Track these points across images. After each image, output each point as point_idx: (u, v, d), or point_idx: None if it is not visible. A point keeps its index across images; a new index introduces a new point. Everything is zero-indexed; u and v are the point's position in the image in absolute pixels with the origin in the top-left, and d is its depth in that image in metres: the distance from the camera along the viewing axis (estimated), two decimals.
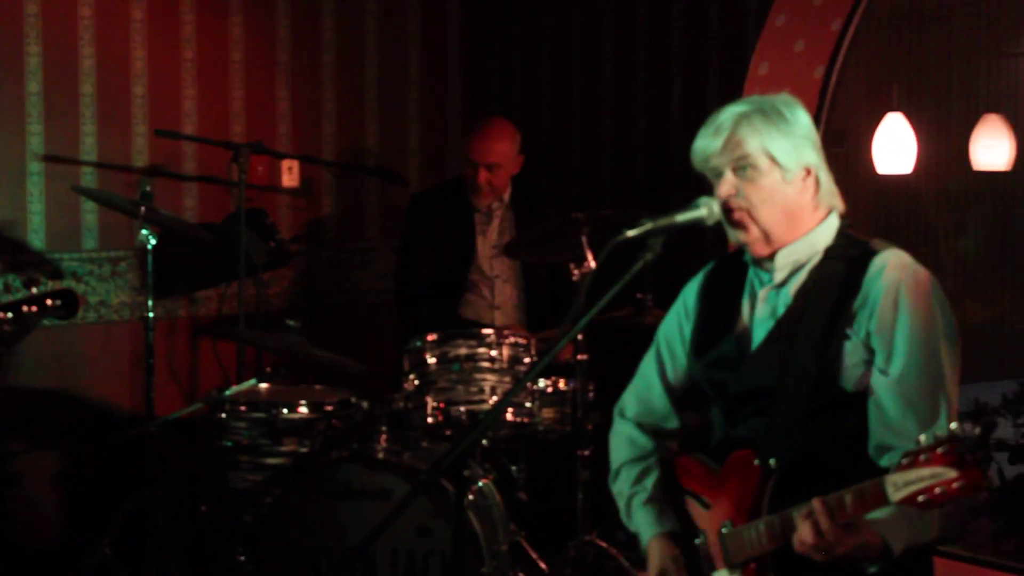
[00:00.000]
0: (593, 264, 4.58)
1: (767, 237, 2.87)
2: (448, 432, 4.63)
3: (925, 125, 6.03)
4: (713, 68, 5.76)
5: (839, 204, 2.93)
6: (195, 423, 4.99)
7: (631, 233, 2.83)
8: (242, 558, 4.55)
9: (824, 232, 2.89)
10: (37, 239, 5.44)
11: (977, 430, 2.30)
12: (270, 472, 4.58)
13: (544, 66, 6.52)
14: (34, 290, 3.85)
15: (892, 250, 2.84)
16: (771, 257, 2.90)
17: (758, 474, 2.78)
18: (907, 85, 6.20)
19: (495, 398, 4.62)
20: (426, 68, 6.48)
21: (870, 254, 2.83)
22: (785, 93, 2.95)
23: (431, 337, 4.71)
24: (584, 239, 4.62)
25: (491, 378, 4.66)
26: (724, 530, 2.84)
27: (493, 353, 4.68)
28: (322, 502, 4.34)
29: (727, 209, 2.86)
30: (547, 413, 4.72)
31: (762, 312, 2.92)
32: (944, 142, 6.41)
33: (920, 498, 2.34)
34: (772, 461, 2.76)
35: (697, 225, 2.91)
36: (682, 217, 2.88)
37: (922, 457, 2.34)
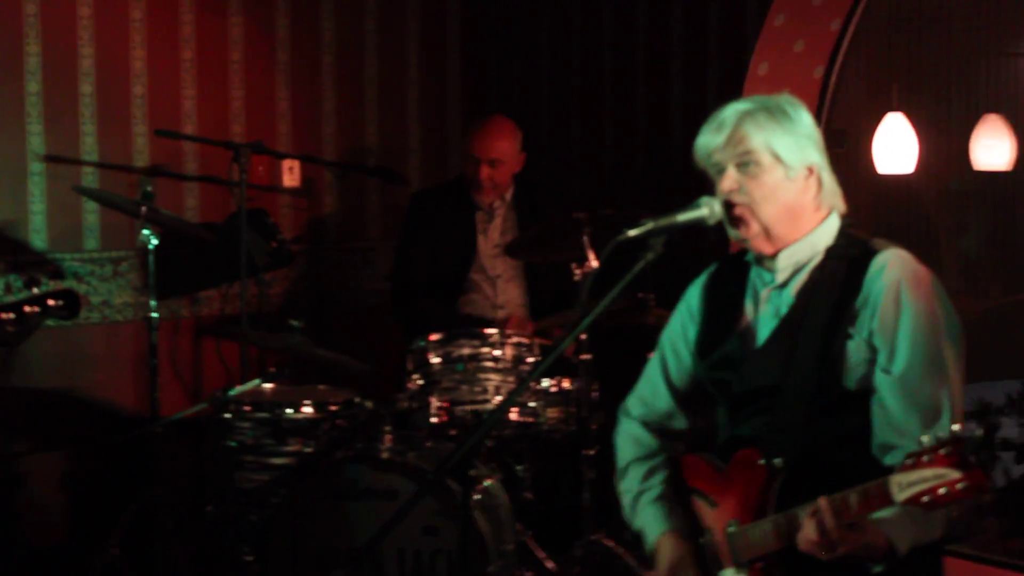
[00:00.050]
0: (595, 264, 4.59)
1: (768, 233, 2.88)
2: (452, 432, 4.64)
3: (925, 125, 6.04)
4: (713, 68, 5.77)
5: (841, 205, 2.94)
6: (200, 423, 4.98)
7: (632, 233, 2.85)
8: (248, 558, 4.55)
9: (825, 232, 2.90)
10: (38, 239, 5.44)
11: (980, 431, 2.32)
12: (275, 472, 4.58)
13: (544, 66, 6.53)
14: (35, 290, 3.84)
15: (893, 249, 2.85)
16: (773, 257, 2.90)
17: (763, 473, 2.78)
18: (907, 85, 6.21)
19: (499, 398, 4.62)
20: (426, 68, 6.48)
21: (871, 253, 2.84)
22: (787, 94, 2.96)
23: (434, 337, 4.72)
24: (586, 239, 4.63)
25: (495, 378, 4.66)
26: (730, 529, 2.85)
27: (496, 353, 4.68)
28: (328, 502, 4.35)
29: (728, 205, 2.87)
30: (552, 413, 4.72)
31: (765, 312, 2.94)
32: (944, 142, 6.41)
33: (924, 499, 2.35)
34: (777, 460, 2.77)
35: (698, 225, 2.92)
36: (683, 217, 2.90)
37: (925, 458, 2.35)
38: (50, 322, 3.91)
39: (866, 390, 2.79)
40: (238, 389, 4.73)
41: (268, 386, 4.86)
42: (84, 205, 5.54)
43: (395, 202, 6.12)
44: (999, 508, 5.20)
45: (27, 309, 3.80)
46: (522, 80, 6.61)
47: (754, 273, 2.99)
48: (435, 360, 4.69)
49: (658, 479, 3.09)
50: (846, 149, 5.70)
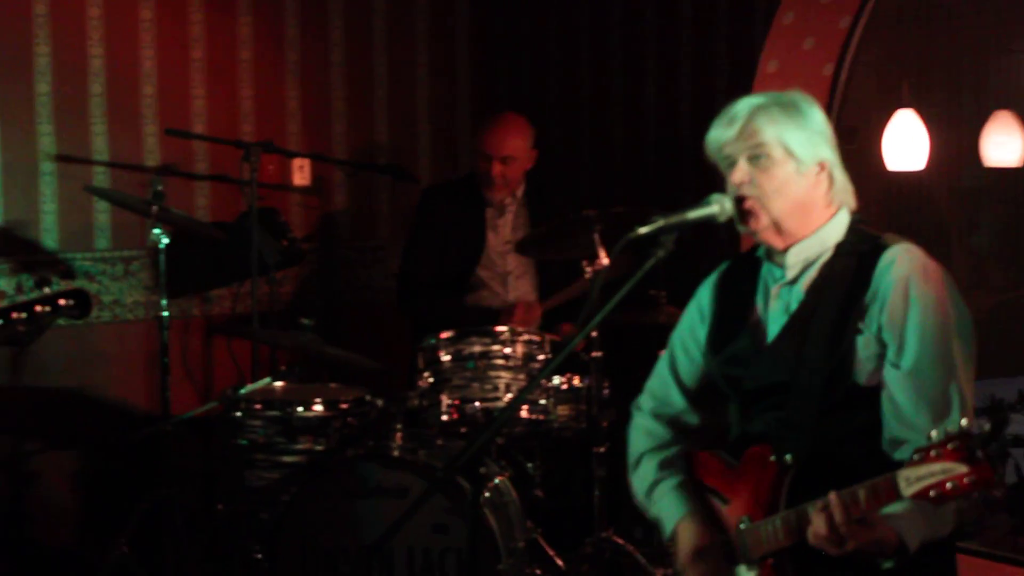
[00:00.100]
0: (606, 261, 4.59)
1: (777, 227, 2.88)
2: (463, 429, 4.64)
3: (936, 122, 6.02)
4: (722, 66, 5.76)
5: (852, 202, 2.94)
6: (210, 422, 5.00)
7: (643, 230, 2.84)
8: (259, 556, 4.55)
9: (835, 228, 2.90)
10: (50, 239, 5.46)
11: (987, 426, 2.32)
12: (286, 470, 4.59)
13: (553, 64, 6.52)
14: (47, 290, 3.85)
15: (903, 244, 2.85)
16: (783, 252, 2.90)
17: (774, 470, 2.78)
18: (918, 82, 6.19)
19: (510, 395, 4.62)
20: (435, 66, 6.48)
21: (881, 248, 2.84)
22: (799, 91, 2.96)
23: (445, 335, 4.72)
24: (596, 236, 4.63)
25: (505, 375, 4.66)
26: (742, 526, 2.84)
27: (507, 350, 4.68)
28: (338, 500, 4.35)
29: (738, 198, 2.87)
30: (562, 410, 4.72)
31: (775, 308, 2.93)
32: (955, 139, 6.40)
33: (932, 493, 2.35)
34: (788, 457, 2.77)
35: (709, 222, 2.92)
36: (694, 214, 2.89)
37: (933, 452, 2.35)
38: (61, 321, 3.92)
39: (876, 385, 2.78)
40: (249, 387, 4.74)
41: (279, 384, 4.87)
42: (95, 205, 5.55)
43: (405, 200, 6.13)
44: (1010, 505, 5.20)
45: (38, 309, 3.80)
46: (531, 78, 6.61)
47: (765, 270, 2.99)
48: (446, 358, 4.69)
49: (675, 469, 3.08)
50: (856, 146, 5.69)
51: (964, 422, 2.34)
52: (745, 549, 2.83)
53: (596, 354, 4.64)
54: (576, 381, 4.76)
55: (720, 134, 2.90)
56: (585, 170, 6.35)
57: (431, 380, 4.70)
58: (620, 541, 4.65)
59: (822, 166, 2.89)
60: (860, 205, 2.97)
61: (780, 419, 2.85)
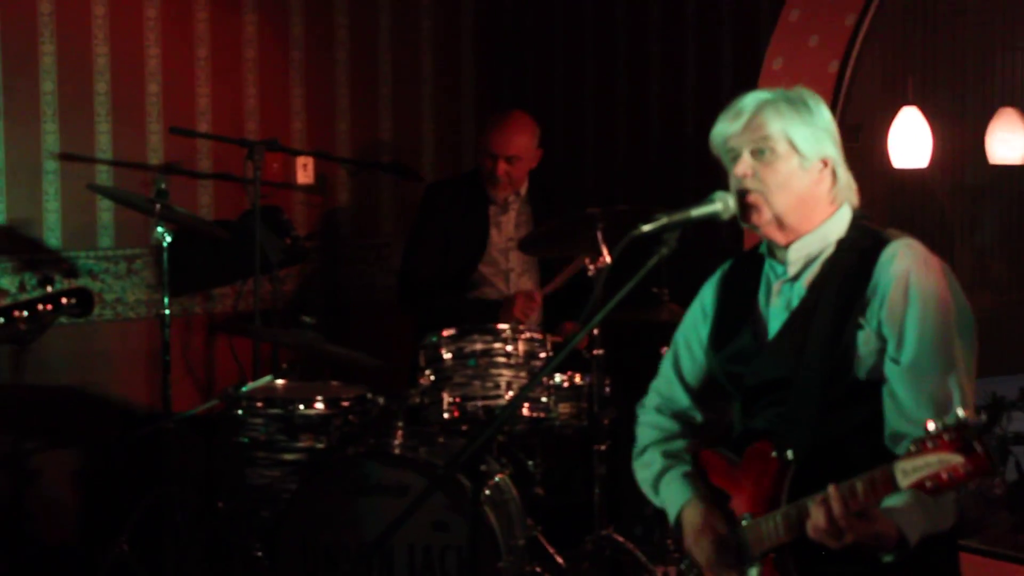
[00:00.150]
0: (608, 259, 4.58)
1: (780, 223, 2.87)
2: (464, 427, 4.64)
3: (940, 119, 6.02)
4: (727, 63, 5.76)
5: (855, 200, 2.93)
6: (212, 420, 5.00)
7: (646, 228, 2.84)
8: (259, 554, 4.55)
9: (837, 224, 2.90)
10: (53, 237, 5.46)
11: (984, 417, 2.32)
12: (287, 468, 4.59)
13: (558, 61, 6.52)
14: (49, 288, 3.85)
15: (904, 239, 2.84)
16: (785, 248, 2.90)
17: (776, 466, 2.78)
18: (922, 79, 6.19)
19: (511, 393, 4.62)
20: (440, 64, 6.48)
21: (882, 243, 2.83)
22: (806, 88, 2.96)
23: (446, 332, 4.71)
24: (599, 234, 4.63)
25: (507, 373, 4.66)
26: (744, 523, 2.84)
27: (509, 348, 4.68)
28: (339, 498, 4.35)
29: (741, 192, 2.86)
30: (563, 408, 4.72)
31: (777, 305, 2.93)
32: (959, 136, 6.39)
33: (928, 483, 2.35)
34: (789, 452, 2.76)
35: (712, 220, 2.91)
36: (697, 212, 2.89)
37: (929, 443, 2.35)
38: (63, 320, 3.92)
39: (877, 381, 2.78)
40: (250, 385, 4.74)
41: (280, 382, 4.86)
42: (98, 203, 5.55)
43: (409, 199, 6.12)
44: (1011, 503, 5.19)
45: (41, 307, 3.80)
46: (536, 76, 6.61)
47: (767, 267, 2.98)
48: (447, 356, 4.69)
49: (681, 460, 3.07)
50: (860, 143, 5.69)
51: (961, 412, 2.33)
52: (747, 546, 2.83)
53: (598, 352, 4.64)
54: (577, 379, 4.76)
55: (725, 127, 2.89)
56: (589, 168, 6.35)
57: (432, 378, 4.70)
58: (620, 539, 4.65)
59: (825, 163, 2.88)
60: (864, 202, 2.97)
61: (781, 415, 2.85)
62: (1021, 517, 5.15)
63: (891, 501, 2.59)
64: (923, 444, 2.36)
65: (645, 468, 3.12)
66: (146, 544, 4.93)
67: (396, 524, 3.79)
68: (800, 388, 2.81)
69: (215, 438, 4.98)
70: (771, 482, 2.78)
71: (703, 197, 2.91)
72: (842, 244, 2.88)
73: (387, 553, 4.31)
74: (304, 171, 6.08)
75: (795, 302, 2.89)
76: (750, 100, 2.89)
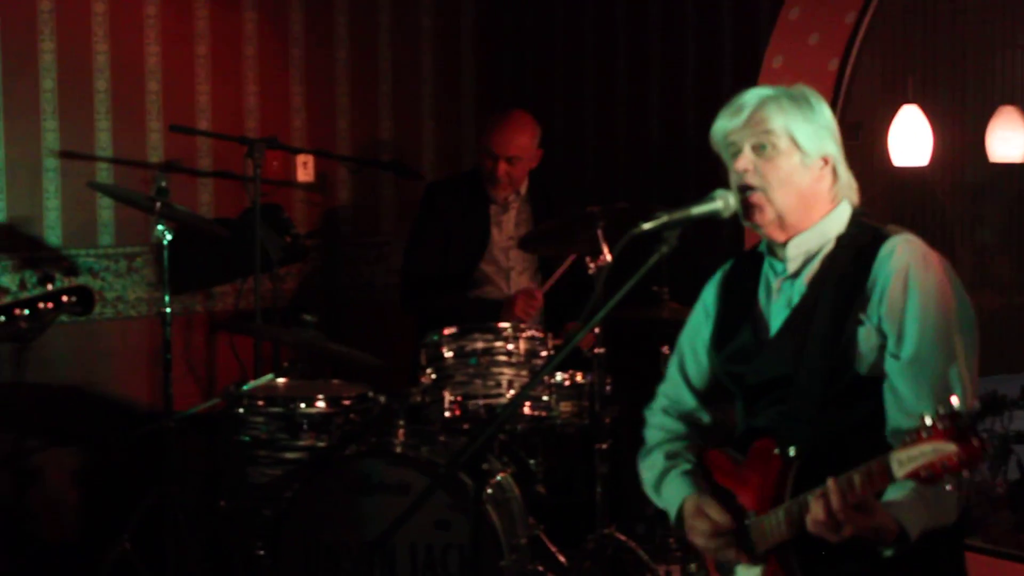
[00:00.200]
0: (609, 257, 4.58)
1: (781, 221, 2.87)
2: (465, 426, 4.64)
3: (941, 117, 6.02)
4: (727, 61, 5.76)
5: (856, 199, 2.94)
6: (213, 418, 5.00)
7: (647, 226, 2.83)
8: (261, 552, 4.55)
9: (836, 220, 2.90)
10: (53, 235, 5.46)
11: (978, 405, 2.32)
12: (288, 467, 4.58)
13: (558, 60, 6.52)
14: (50, 287, 3.84)
15: (904, 235, 2.84)
16: (784, 245, 2.90)
17: (778, 463, 2.78)
18: (922, 77, 6.19)
19: (512, 392, 4.62)
20: (440, 62, 6.48)
21: (881, 239, 2.83)
22: (807, 86, 2.95)
23: (448, 331, 4.71)
24: (600, 232, 4.63)
25: (508, 372, 4.66)
26: (747, 521, 2.84)
27: (510, 347, 4.67)
28: (341, 496, 4.34)
29: (743, 188, 2.86)
30: (565, 407, 4.72)
31: (777, 302, 2.93)
32: (960, 134, 6.39)
33: (923, 473, 2.36)
34: (792, 449, 2.76)
35: (713, 218, 2.91)
36: (698, 210, 2.89)
37: (924, 433, 2.36)
38: (64, 318, 3.93)
39: (878, 377, 2.78)
40: (251, 384, 4.75)
41: (281, 381, 4.87)
42: (99, 201, 5.55)
43: (409, 197, 6.12)
44: (1013, 502, 5.19)
45: (41, 305, 3.79)
46: (536, 74, 6.61)
47: (766, 265, 2.98)
48: (448, 354, 4.69)
49: (685, 458, 3.08)
50: (861, 142, 5.69)
51: (955, 401, 2.33)
52: (751, 544, 2.82)
53: (599, 350, 4.64)
54: (579, 377, 4.76)
55: (727, 123, 2.89)
56: (589, 166, 6.35)
57: (434, 376, 4.69)
58: (622, 537, 4.65)
59: (826, 160, 2.89)
60: (864, 201, 2.97)
61: (783, 412, 2.85)
62: (1023, 516, 5.14)
63: (891, 495, 2.59)
64: (918, 434, 2.37)
65: (649, 470, 3.13)
66: (148, 543, 4.93)
67: (398, 523, 3.80)
68: (801, 385, 2.82)
69: (216, 436, 4.98)
70: (774, 480, 2.78)
71: (704, 195, 2.91)
72: (841, 240, 2.88)
73: (389, 552, 4.30)
74: (304, 169, 6.08)
75: (796, 299, 2.89)
76: (751, 96, 2.89)
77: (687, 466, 3.05)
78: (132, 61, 5.61)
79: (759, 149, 2.85)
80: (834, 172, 2.90)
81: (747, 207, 2.87)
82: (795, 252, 2.90)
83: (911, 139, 5.87)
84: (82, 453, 5.50)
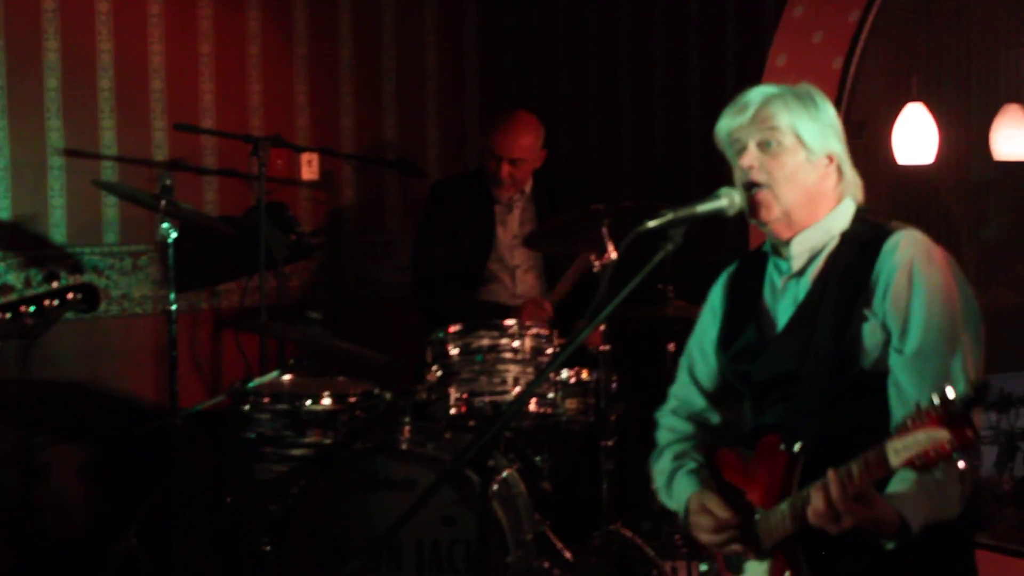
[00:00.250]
0: (614, 255, 4.58)
1: (787, 218, 2.87)
2: (471, 423, 4.64)
3: (945, 115, 6.01)
4: (731, 60, 5.76)
5: (860, 197, 2.94)
6: (219, 415, 5.01)
7: (652, 224, 2.83)
8: (267, 549, 4.55)
9: (840, 217, 2.90)
10: (58, 234, 5.46)
11: (971, 391, 2.32)
12: (294, 463, 4.59)
13: (562, 57, 6.52)
14: (55, 284, 3.85)
15: (907, 230, 2.84)
16: (788, 242, 2.90)
17: (784, 459, 2.77)
18: (927, 75, 6.17)
19: (518, 389, 4.62)
20: (444, 60, 6.49)
21: (885, 235, 2.83)
22: (811, 85, 2.96)
23: (453, 328, 4.72)
24: (605, 230, 4.63)
25: (514, 369, 4.66)
26: (756, 517, 2.84)
27: (515, 344, 4.68)
28: (347, 493, 4.35)
29: (749, 185, 2.86)
30: (570, 403, 4.73)
31: (783, 301, 2.93)
32: (964, 132, 6.38)
33: (918, 460, 2.36)
34: (797, 445, 2.76)
35: (718, 216, 2.91)
36: (703, 208, 2.89)
37: (917, 421, 2.36)
38: (70, 315, 3.93)
39: (883, 373, 2.77)
40: (257, 381, 4.75)
41: (287, 378, 4.87)
42: (104, 199, 5.56)
43: (413, 195, 6.13)
44: (1019, 499, 5.19)
45: (47, 303, 3.80)
46: (540, 72, 6.61)
47: (771, 264, 2.98)
48: (454, 351, 4.70)
49: (692, 457, 3.07)
50: (865, 140, 5.68)
51: (949, 390, 2.33)
52: (758, 540, 2.83)
53: (604, 348, 4.64)
54: (584, 375, 4.77)
55: (731, 121, 2.89)
56: (594, 164, 6.35)
57: (439, 374, 4.70)
58: (628, 534, 4.64)
59: (831, 158, 2.89)
60: (869, 199, 2.97)
61: (789, 409, 2.85)
62: None
63: (893, 487, 2.59)
64: (912, 422, 2.37)
65: (660, 474, 3.13)
66: (154, 539, 4.94)
67: (404, 519, 3.81)
68: (806, 382, 2.81)
69: (222, 433, 4.98)
70: (781, 475, 2.78)
71: (708, 193, 2.91)
72: (846, 237, 2.88)
73: (395, 548, 4.31)
74: (309, 167, 6.08)
75: (801, 297, 2.89)
76: (756, 94, 2.89)
77: (693, 465, 3.05)
78: (136, 59, 5.62)
79: (764, 146, 2.85)
80: (839, 170, 2.90)
81: (753, 204, 2.87)
82: (799, 249, 2.90)
83: (916, 137, 5.86)
84: (88, 450, 5.51)
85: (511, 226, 5.47)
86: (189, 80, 5.76)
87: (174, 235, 4.94)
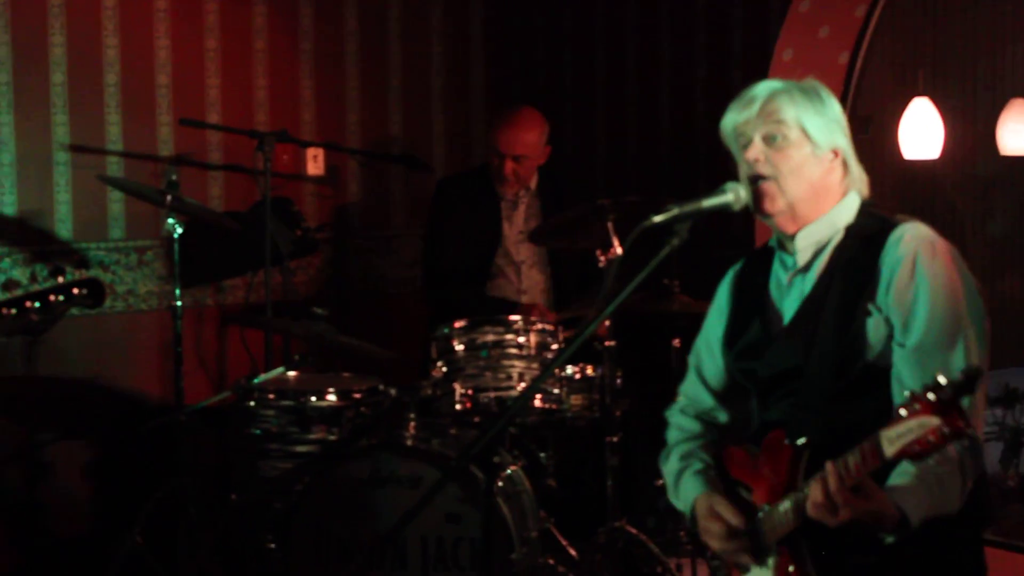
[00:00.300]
0: (620, 250, 4.58)
1: (792, 211, 2.87)
2: (476, 419, 4.64)
3: (951, 110, 6.00)
4: (737, 54, 5.76)
5: (866, 192, 2.93)
6: (224, 411, 5.00)
7: (658, 219, 2.83)
8: (272, 546, 4.55)
9: (845, 210, 2.89)
10: (64, 229, 5.47)
11: (963, 377, 2.30)
12: (299, 460, 4.59)
13: (568, 53, 6.52)
14: (60, 279, 3.85)
15: (912, 223, 2.83)
16: (793, 236, 2.90)
17: (789, 454, 2.77)
18: (933, 70, 6.17)
19: (523, 384, 4.62)
20: (449, 55, 6.48)
21: (889, 228, 2.82)
22: (816, 80, 2.95)
23: (458, 324, 4.71)
24: (610, 225, 4.62)
25: (519, 364, 4.66)
26: (761, 514, 2.83)
27: (521, 340, 4.68)
28: (352, 490, 4.35)
29: (755, 178, 2.86)
30: (575, 399, 4.72)
31: (790, 296, 2.93)
32: (971, 127, 6.38)
33: (911, 449, 2.35)
34: (801, 440, 2.76)
35: (724, 210, 2.91)
36: (709, 202, 2.88)
37: (910, 409, 2.35)
38: (75, 311, 3.92)
39: (887, 367, 2.76)
40: (262, 377, 4.74)
41: (292, 374, 4.87)
42: (109, 194, 5.56)
43: (419, 190, 6.13)
44: (1022, 495, 5.19)
45: (52, 298, 3.79)
46: (546, 67, 6.61)
47: (777, 260, 2.98)
48: (459, 347, 4.69)
49: (698, 457, 3.07)
50: (871, 135, 5.68)
51: (940, 377, 2.32)
52: (763, 536, 2.82)
53: (610, 343, 4.64)
54: (589, 370, 4.76)
55: (737, 115, 2.89)
56: (600, 159, 6.35)
57: (444, 369, 4.70)
58: (633, 531, 4.65)
59: (836, 153, 2.89)
60: (874, 193, 2.96)
61: (795, 404, 2.84)
62: None
63: (893, 481, 2.59)
64: (905, 410, 2.36)
65: (668, 474, 3.12)
66: (159, 536, 4.94)
67: (409, 516, 3.80)
68: (811, 377, 2.81)
69: (227, 430, 4.98)
70: (786, 470, 2.77)
71: (714, 188, 2.91)
72: (850, 230, 2.88)
73: (400, 545, 4.31)
74: (314, 162, 6.08)
75: (807, 291, 2.89)
76: (762, 88, 2.89)
77: (699, 465, 3.05)
78: (142, 55, 5.61)
79: (770, 139, 2.85)
80: (844, 165, 2.90)
81: (758, 197, 2.87)
82: (804, 243, 2.89)
83: (922, 132, 5.85)
84: (93, 446, 5.52)
85: (516, 222, 5.47)
86: (195, 75, 5.76)
87: (180, 230, 4.94)
